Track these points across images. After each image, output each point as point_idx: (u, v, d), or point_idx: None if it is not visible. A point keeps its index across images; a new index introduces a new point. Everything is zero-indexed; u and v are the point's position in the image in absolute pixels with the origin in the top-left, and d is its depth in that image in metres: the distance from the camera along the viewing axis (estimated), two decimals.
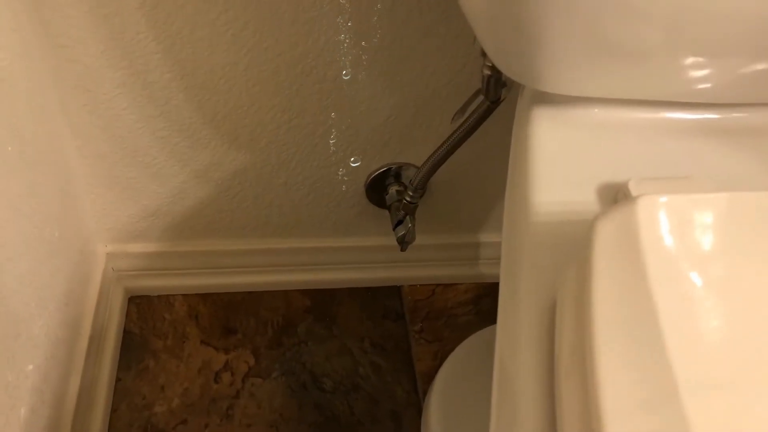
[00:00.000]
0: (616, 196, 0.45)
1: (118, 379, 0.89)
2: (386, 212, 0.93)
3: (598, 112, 0.50)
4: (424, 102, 0.80)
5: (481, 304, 1.01)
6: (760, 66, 0.48)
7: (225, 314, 0.97)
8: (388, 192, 0.89)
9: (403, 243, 0.85)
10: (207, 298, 0.98)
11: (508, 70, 0.50)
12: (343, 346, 0.95)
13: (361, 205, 0.93)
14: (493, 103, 0.66)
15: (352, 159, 0.86)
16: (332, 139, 0.84)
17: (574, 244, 0.42)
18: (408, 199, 0.83)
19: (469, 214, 0.97)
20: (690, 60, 0.48)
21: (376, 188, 0.90)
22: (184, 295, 0.98)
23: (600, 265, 0.34)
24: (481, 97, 0.67)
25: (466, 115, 0.72)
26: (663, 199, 0.36)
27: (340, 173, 0.88)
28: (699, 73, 0.49)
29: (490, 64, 0.61)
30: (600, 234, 0.35)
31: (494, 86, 0.64)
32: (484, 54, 0.59)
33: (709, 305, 0.33)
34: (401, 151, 0.86)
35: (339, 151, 0.85)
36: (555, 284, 0.40)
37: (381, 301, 1.00)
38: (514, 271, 0.48)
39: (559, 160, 0.48)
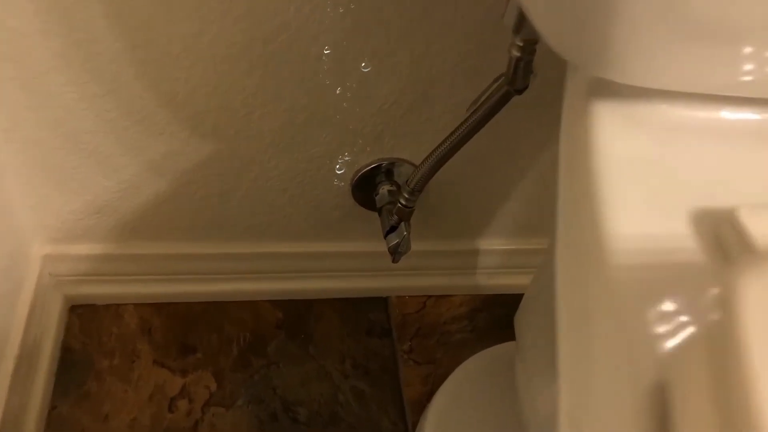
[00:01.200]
0: (719, 228, 0.33)
1: (52, 407, 0.75)
2: (374, 214, 0.80)
3: (680, 112, 0.38)
4: (424, 89, 0.68)
5: (477, 320, 0.89)
6: None
7: (183, 329, 0.83)
8: (379, 192, 0.76)
9: (396, 253, 0.73)
10: (162, 308, 0.84)
11: (566, 51, 0.38)
12: (321, 368, 0.82)
13: (346, 207, 0.80)
14: (518, 92, 0.54)
15: (337, 153, 0.73)
16: (314, 129, 0.70)
17: (670, 290, 0.30)
18: (403, 202, 0.70)
19: (467, 218, 0.85)
20: None
21: (364, 187, 0.77)
22: (135, 305, 0.84)
23: (755, 348, 0.22)
24: (500, 84, 0.55)
25: (479, 103, 0.59)
26: None
27: (322, 169, 0.75)
28: None
29: (522, 44, 0.49)
30: (747, 304, 0.23)
31: (523, 72, 0.51)
32: (517, 29, 0.47)
33: None
34: (395, 145, 0.73)
35: (321, 143, 0.72)
36: (663, 360, 0.28)
37: (365, 315, 0.88)
38: (584, 323, 0.35)
39: (636, 175, 0.35)
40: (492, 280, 0.91)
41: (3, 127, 0.66)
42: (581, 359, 0.35)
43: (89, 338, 0.81)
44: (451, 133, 0.64)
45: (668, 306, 0.29)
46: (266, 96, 0.66)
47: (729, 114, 0.40)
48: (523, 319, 0.74)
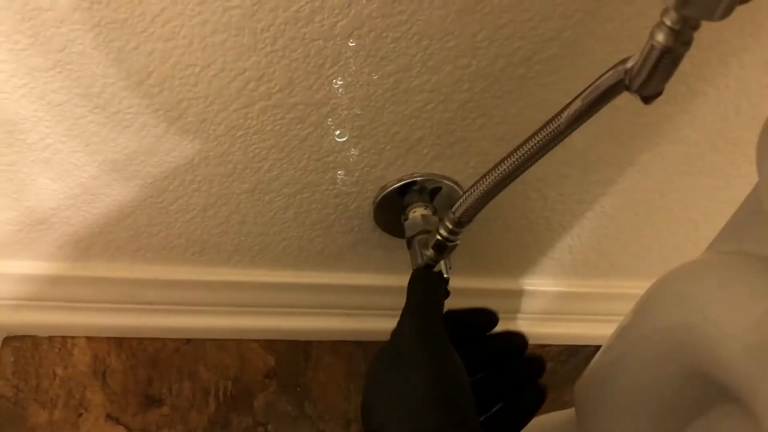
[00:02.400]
0: None
1: None
2: (398, 242, 0.63)
3: None
4: (483, 85, 0.51)
5: None
6: None
7: (147, 373, 0.65)
8: (409, 217, 0.59)
9: None
10: (123, 345, 0.67)
11: None
12: None
13: (364, 231, 0.63)
14: (646, 99, 0.37)
15: (359, 163, 0.56)
16: (330, 131, 0.53)
17: None
18: (444, 233, 0.53)
19: (511, 250, 0.68)
20: None
21: (390, 209, 0.60)
22: (88, 339, 0.66)
23: None
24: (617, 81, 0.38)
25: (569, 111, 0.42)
26: None
27: (337, 183, 0.58)
28: None
29: (676, 27, 0.32)
30: None
31: (664, 69, 0.34)
32: (681, 5, 0.30)
33: None
34: (437, 157, 0.56)
35: (339, 149, 0.55)
36: None
37: None
38: None
39: None
40: (536, 328, 0.75)
41: None
42: None
43: (24, 381, 0.63)
44: (518, 147, 0.47)
45: None
46: (271, 83, 0.49)
47: None
48: (590, 391, 0.57)
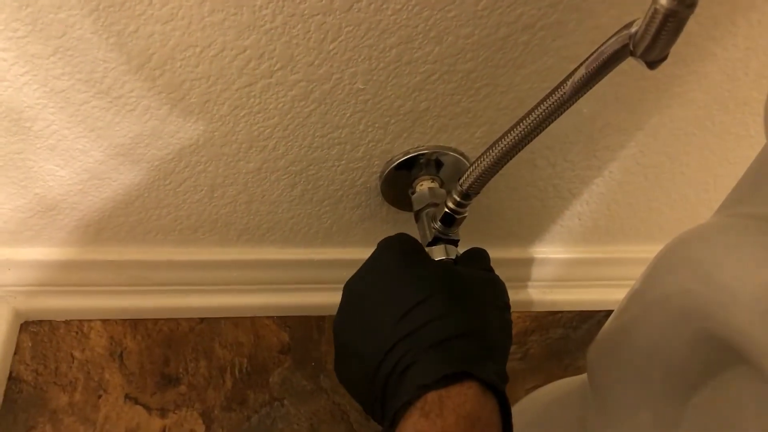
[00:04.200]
0: None
1: None
2: (406, 215, 0.63)
3: None
4: (486, 54, 0.50)
5: (529, 344, 0.72)
6: None
7: (163, 353, 0.66)
8: (416, 190, 0.59)
9: None
10: (138, 326, 0.67)
11: None
12: (336, 406, 0.66)
13: (372, 206, 0.63)
14: (650, 64, 0.36)
15: (364, 138, 0.56)
16: (334, 107, 0.53)
17: None
18: (452, 206, 0.53)
19: (520, 219, 0.68)
20: None
21: (398, 183, 0.60)
22: (103, 322, 0.67)
23: None
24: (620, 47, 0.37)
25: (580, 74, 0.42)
26: None
27: (344, 158, 0.58)
28: None
29: None
30: None
31: (669, 34, 0.34)
32: None
33: None
34: (442, 129, 0.56)
35: (344, 125, 0.55)
36: None
37: None
38: None
39: None
40: (547, 296, 0.74)
41: None
42: None
43: (43, 365, 0.64)
44: (525, 115, 0.46)
45: None
46: (273, 60, 0.49)
47: None
48: (603, 358, 0.57)
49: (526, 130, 0.46)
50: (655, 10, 0.33)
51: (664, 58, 0.36)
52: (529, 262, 0.72)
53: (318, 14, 0.46)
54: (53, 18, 0.45)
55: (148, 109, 0.51)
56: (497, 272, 0.70)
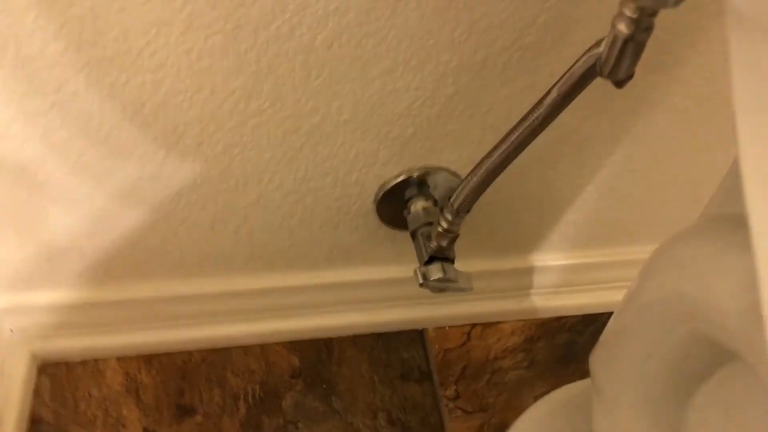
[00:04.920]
0: None
1: None
2: (404, 234, 0.65)
3: None
4: (467, 78, 0.52)
5: (535, 351, 0.73)
6: None
7: (177, 385, 0.68)
8: (411, 210, 0.60)
9: (437, 290, 0.57)
10: (152, 361, 0.69)
11: None
12: (349, 426, 0.67)
13: (369, 227, 0.64)
14: (618, 84, 0.38)
15: (356, 165, 0.58)
16: (325, 138, 0.55)
17: None
18: (445, 225, 0.54)
19: (519, 229, 0.69)
20: None
21: (392, 203, 0.61)
22: (118, 359, 0.69)
23: None
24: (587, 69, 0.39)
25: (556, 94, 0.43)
26: None
27: (338, 185, 0.59)
28: None
29: (635, 15, 0.33)
30: None
31: (631, 55, 0.35)
32: None
33: None
34: (431, 150, 0.58)
35: (335, 154, 0.56)
36: None
37: (398, 354, 0.72)
38: None
39: None
40: (550, 302, 0.76)
41: None
42: None
43: (63, 405, 0.66)
44: (508, 135, 0.48)
45: None
46: (261, 100, 0.50)
47: None
48: (604, 361, 0.58)
49: (509, 148, 0.48)
50: (615, 36, 0.34)
51: (631, 77, 0.38)
52: (530, 270, 0.73)
53: (301, 53, 0.48)
54: (47, 75, 0.47)
55: (145, 154, 0.53)
56: (497, 283, 0.72)
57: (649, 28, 0.33)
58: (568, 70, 0.40)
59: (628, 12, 0.33)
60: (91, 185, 0.55)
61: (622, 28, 0.33)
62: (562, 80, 0.41)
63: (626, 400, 0.54)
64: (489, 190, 0.56)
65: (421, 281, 0.57)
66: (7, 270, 0.62)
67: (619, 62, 0.35)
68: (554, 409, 0.65)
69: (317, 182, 0.59)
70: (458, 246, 0.62)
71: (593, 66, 0.38)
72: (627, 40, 0.34)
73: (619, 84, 0.38)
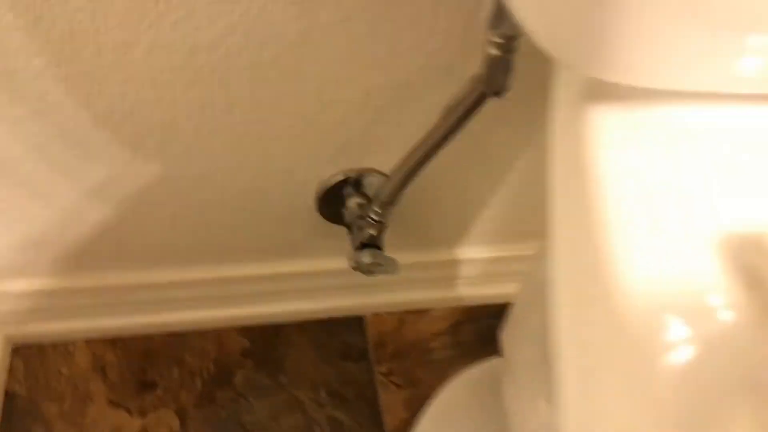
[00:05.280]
0: (745, 254, 0.27)
1: None
2: (343, 229, 0.74)
3: (680, 115, 0.33)
4: (392, 91, 0.61)
5: (460, 334, 0.83)
6: None
7: (140, 364, 0.76)
8: (347, 206, 0.70)
9: (368, 273, 0.67)
10: (116, 343, 0.77)
11: (556, 48, 0.32)
12: (293, 398, 0.76)
13: (312, 223, 0.73)
14: (496, 94, 0.48)
15: (298, 167, 0.67)
16: (270, 143, 0.64)
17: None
18: (374, 217, 0.64)
19: (444, 226, 0.79)
20: None
21: (331, 201, 0.70)
22: (86, 341, 0.77)
23: None
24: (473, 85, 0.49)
25: (453, 107, 0.53)
26: None
27: (282, 185, 0.68)
28: None
29: (501, 40, 0.43)
30: None
31: (502, 72, 0.45)
32: (494, 24, 0.41)
33: None
34: (363, 154, 0.67)
35: (280, 157, 0.65)
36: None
37: (339, 337, 0.81)
38: (590, 360, 0.30)
39: (643, 191, 0.30)
40: (474, 291, 0.86)
41: None
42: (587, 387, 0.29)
43: (35, 381, 0.73)
44: (423, 140, 0.58)
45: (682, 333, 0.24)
46: (215, 109, 0.59)
47: (742, 116, 0.34)
48: (511, 334, 0.68)
49: (425, 150, 0.58)
50: (487, 56, 0.44)
51: (506, 89, 0.48)
52: (456, 262, 0.83)
53: (248, 69, 0.57)
54: (29, 86, 0.55)
55: (114, 156, 0.62)
56: (427, 274, 0.82)
57: (513, 50, 0.43)
58: (465, 86, 0.50)
59: (496, 38, 0.43)
60: (66, 183, 0.63)
61: (492, 50, 0.43)
62: (460, 94, 0.51)
63: (526, 362, 0.64)
64: (418, 190, 0.66)
65: (354, 265, 0.66)
66: None
67: (491, 77, 0.45)
68: (469, 381, 0.75)
69: (265, 181, 0.68)
70: (393, 241, 0.71)
71: (478, 82, 0.48)
72: (497, 59, 0.44)
73: (497, 94, 0.48)
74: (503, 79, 0.46)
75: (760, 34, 0.30)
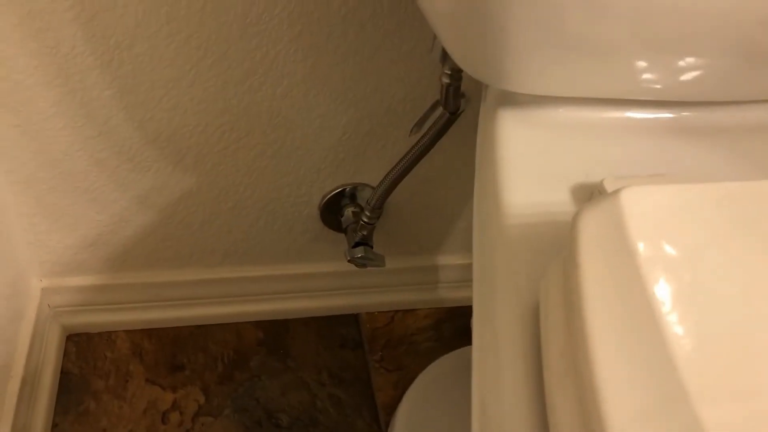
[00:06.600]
0: (591, 195, 0.42)
1: (54, 425, 0.82)
2: (342, 236, 0.89)
3: (564, 112, 0.48)
4: (379, 119, 0.78)
5: (442, 330, 0.97)
6: (725, 63, 0.47)
7: (171, 350, 0.91)
8: (344, 214, 0.85)
9: (361, 264, 0.82)
10: (151, 333, 0.92)
11: (472, 70, 0.48)
12: (299, 379, 0.90)
13: (316, 230, 0.89)
14: (453, 114, 0.64)
15: (304, 181, 0.83)
16: (282, 161, 0.80)
17: (552, 245, 0.39)
18: (365, 219, 0.79)
19: (428, 236, 0.94)
20: (655, 57, 0.46)
21: (331, 210, 0.86)
22: (126, 332, 0.92)
23: (587, 262, 0.31)
24: (439, 110, 0.65)
25: (425, 129, 0.69)
26: (648, 189, 0.33)
27: (291, 196, 0.84)
28: (664, 70, 0.47)
29: (449, 72, 0.59)
30: (584, 230, 0.32)
31: (453, 96, 0.61)
32: (443, 60, 0.57)
33: (708, 300, 0.30)
34: (356, 170, 0.83)
35: (290, 173, 0.81)
36: (536, 287, 0.37)
37: (338, 330, 0.96)
38: (489, 279, 0.44)
39: (529, 161, 0.45)
40: (454, 293, 1.00)
41: (6, 168, 0.75)
42: (488, 303, 0.44)
43: (85, 363, 0.88)
44: (403, 157, 0.74)
45: (548, 250, 0.39)
46: (239, 132, 0.76)
47: (607, 112, 0.50)
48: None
49: (404, 166, 0.74)
50: (442, 84, 0.60)
51: (460, 110, 0.64)
52: (436, 268, 0.98)
53: (266, 101, 0.73)
54: (99, 113, 0.72)
55: (159, 169, 0.78)
56: (414, 278, 0.97)
57: (460, 79, 0.60)
58: (428, 109, 0.66)
59: (446, 70, 0.59)
60: (119, 191, 0.80)
61: (445, 79, 0.60)
62: (427, 115, 0.67)
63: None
64: (400, 203, 0.82)
65: (348, 258, 0.81)
66: (52, 257, 0.85)
67: (447, 100, 0.61)
68: (445, 365, 0.89)
69: (277, 193, 0.84)
70: (384, 250, 0.87)
71: (438, 105, 0.64)
72: (449, 86, 0.60)
73: (453, 114, 0.64)
74: (456, 102, 0.62)
75: (611, 57, 0.46)
